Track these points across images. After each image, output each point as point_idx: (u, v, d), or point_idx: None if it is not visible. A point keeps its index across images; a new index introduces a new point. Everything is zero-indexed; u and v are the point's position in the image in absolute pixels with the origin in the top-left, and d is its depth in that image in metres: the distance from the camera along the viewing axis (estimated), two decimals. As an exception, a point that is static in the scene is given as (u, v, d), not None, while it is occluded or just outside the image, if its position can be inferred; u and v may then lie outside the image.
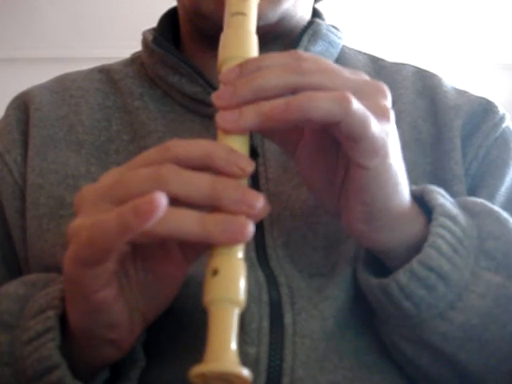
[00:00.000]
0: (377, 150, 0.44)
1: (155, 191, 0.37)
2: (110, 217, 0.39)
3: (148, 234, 0.39)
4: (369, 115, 0.43)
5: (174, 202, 0.40)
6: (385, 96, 0.45)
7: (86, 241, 0.40)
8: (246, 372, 0.38)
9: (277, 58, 0.45)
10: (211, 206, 0.41)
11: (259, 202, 0.41)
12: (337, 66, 0.45)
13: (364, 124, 0.42)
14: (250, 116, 0.43)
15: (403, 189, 0.48)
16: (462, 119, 0.64)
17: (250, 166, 0.42)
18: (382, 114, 0.44)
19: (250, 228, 0.40)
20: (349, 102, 0.42)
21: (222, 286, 0.39)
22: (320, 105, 0.42)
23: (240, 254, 0.41)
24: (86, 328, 0.45)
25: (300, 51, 0.46)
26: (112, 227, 0.39)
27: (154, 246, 0.44)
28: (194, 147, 0.42)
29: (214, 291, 0.39)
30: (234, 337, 0.38)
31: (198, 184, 0.40)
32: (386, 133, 0.44)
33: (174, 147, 0.42)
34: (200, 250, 0.44)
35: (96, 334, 0.45)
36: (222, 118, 0.43)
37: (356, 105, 0.42)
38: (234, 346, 0.38)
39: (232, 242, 0.40)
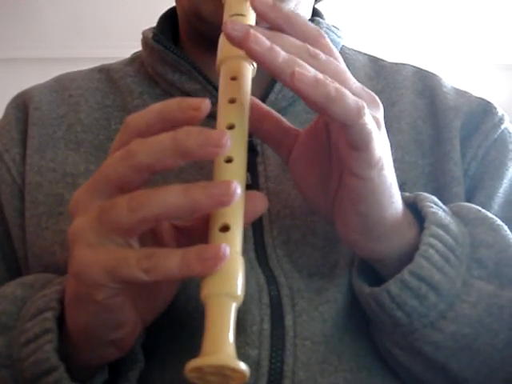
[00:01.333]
0: (375, 161, 0.44)
1: None
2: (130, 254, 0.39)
3: (141, 221, 0.39)
4: (375, 128, 0.43)
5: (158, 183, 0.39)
6: (379, 108, 0.46)
7: (104, 273, 0.39)
8: (243, 366, 0.37)
9: (290, 40, 0.44)
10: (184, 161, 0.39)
11: (224, 138, 0.38)
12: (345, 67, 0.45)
13: (370, 135, 0.43)
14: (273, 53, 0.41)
15: (397, 200, 0.48)
16: (461, 120, 0.64)
17: (204, 103, 0.40)
18: (377, 126, 0.44)
19: (237, 189, 0.38)
20: (365, 111, 0.42)
21: (220, 280, 0.38)
22: (342, 102, 0.41)
23: (238, 249, 0.40)
24: (89, 329, 0.44)
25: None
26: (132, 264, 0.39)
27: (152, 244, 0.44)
28: (148, 112, 0.41)
29: (211, 285, 0.38)
30: (232, 331, 0.38)
31: (162, 143, 0.39)
32: (383, 145, 0.45)
33: (131, 121, 0.42)
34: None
35: (99, 335, 0.44)
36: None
37: (369, 116, 0.42)
38: (231, 339, 0.37)
39: (218, 206, 0.38)
